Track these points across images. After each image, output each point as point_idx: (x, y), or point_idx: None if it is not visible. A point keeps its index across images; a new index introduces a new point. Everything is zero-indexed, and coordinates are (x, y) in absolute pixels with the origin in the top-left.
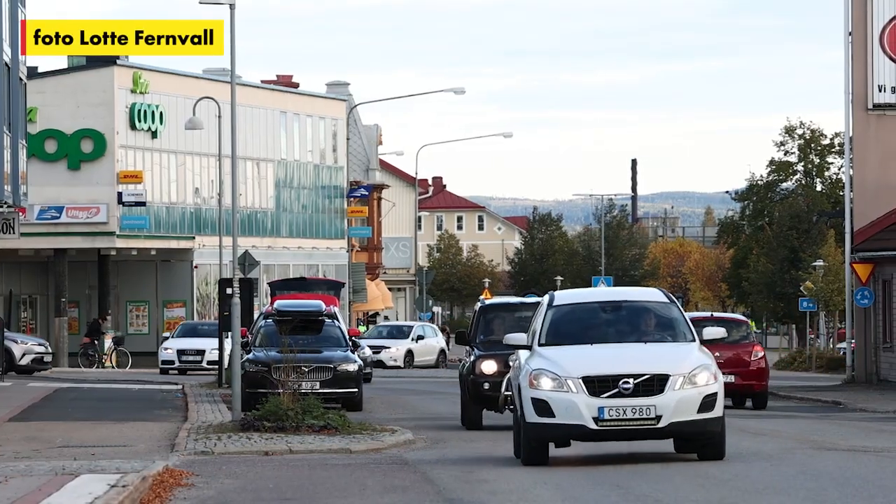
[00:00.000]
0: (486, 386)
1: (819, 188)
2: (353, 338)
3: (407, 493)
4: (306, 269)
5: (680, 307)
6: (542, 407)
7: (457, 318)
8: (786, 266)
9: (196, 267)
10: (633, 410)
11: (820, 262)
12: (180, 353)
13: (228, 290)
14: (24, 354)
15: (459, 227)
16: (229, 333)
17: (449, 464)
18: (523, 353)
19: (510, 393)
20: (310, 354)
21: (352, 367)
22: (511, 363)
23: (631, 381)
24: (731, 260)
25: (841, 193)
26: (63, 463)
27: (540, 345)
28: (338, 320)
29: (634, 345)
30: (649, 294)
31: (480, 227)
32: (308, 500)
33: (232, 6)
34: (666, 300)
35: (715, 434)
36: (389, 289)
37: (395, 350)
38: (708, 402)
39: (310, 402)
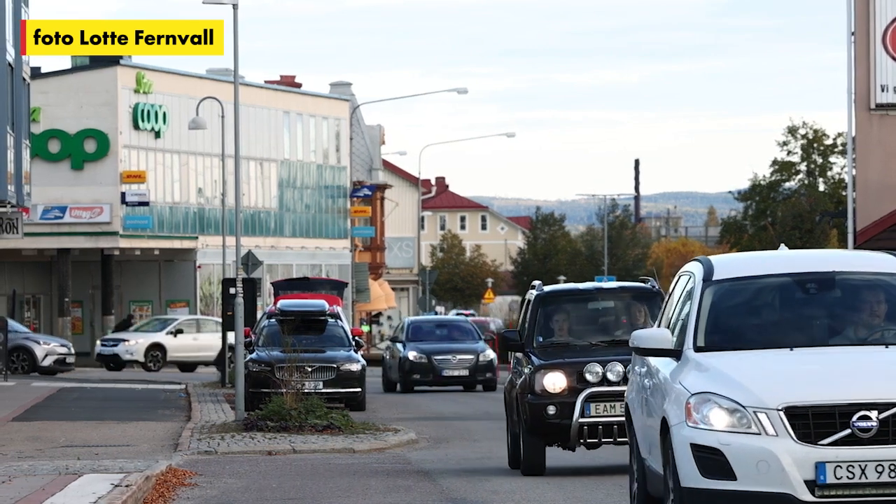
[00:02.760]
0: (552, 410)
1: (822, 188)
2: (357, 338)
3: (410, 492)
4: (309, 269)
5: None
6: (711, 461)
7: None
8: None
9: (199, 267)
10: (878, 469)
11: None
12: None
13: (232, 290)
14: (46, 355)
15: (462, 227)
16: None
17: (452, 463)
18: (662, 364)
19: (592, 420)
20: (313, 354)
21: (355, 367)
22: (627, 376)
23: (873, 414)
24: None
25: (844, 193)
26: (66, 462)
27: (697, 349)
28: (341, 320)
29: (865, 349)
30: (875, 261)
31: (483, 227)
32: (311, 500)
33: (235, 6)
34: None
35: None
36: (392, 289)
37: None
38: None
39: (313, 401)
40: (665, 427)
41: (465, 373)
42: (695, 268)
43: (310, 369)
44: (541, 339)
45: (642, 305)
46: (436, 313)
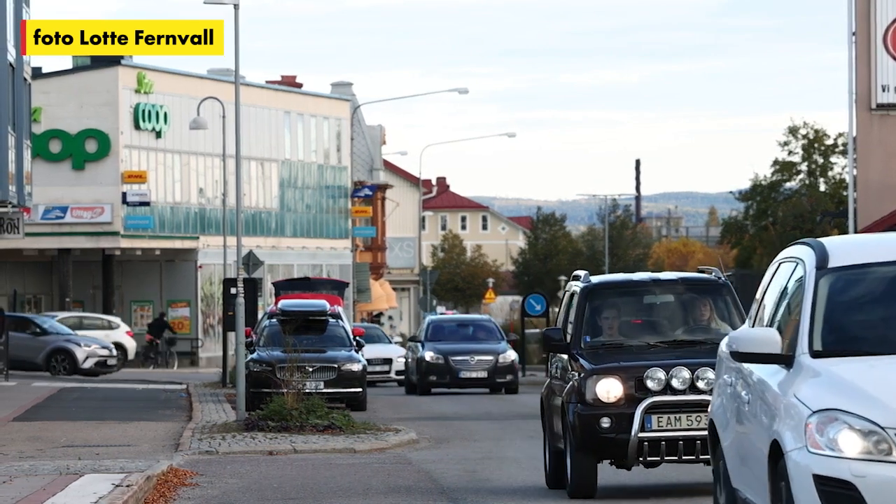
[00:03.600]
0: (606, 423)
1: (823, 188)
2: (357, 338)
3: (411, 492)
4: (310, 269)
5: None
6: (841, 497)
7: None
8: None
9: (200, 267)
10: None
11: None
12: (370, 362)
13: (233, 290)
14: (86, 357)
15: (463, 227)
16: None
17: (452, 463)
18: (766, 373)
19: (654, 434)
20: (314, 354)
21: (356, 367)
22: (695, 384)
23: None
24: (734, 260)
25: (844, 193)
26: (67, 462)
27: (814, 353)
28: (342, 320)
29: None
30: None
31: (484, 227)
32: (312, 500)
33: (236, 6)
34: None
35: None
36: (393, 289)
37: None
38: None
39: (314, 401)
40: (776, 452)
41: (483, 374)
42: (803, 253)
43: (311, 369)
44: (588, 339)
45: (707, 299)
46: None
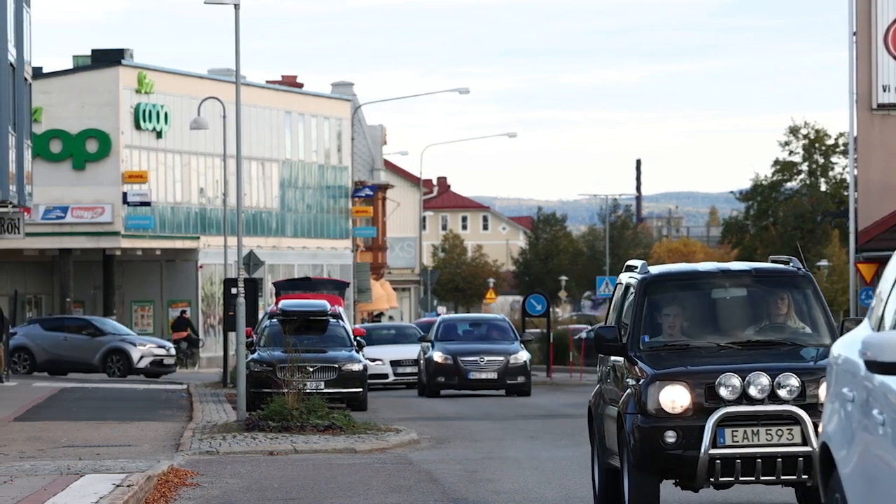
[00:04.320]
0: (672, 437)
1: (823, 188)
2: (358, 338)
3: (411, 492)
4: (311, 269)
5: None
6: None
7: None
8: None
9: (201, 267)
10: None
11: (825, 263)
12: (394, 364)
13: (233, 290)
14: (141, 357)
15: (464, 227)
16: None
17: (453, 463)
18: None
19: (728, 451)
20: (314, 354)
21: (356, 367)
22: (776, 392)
23: None
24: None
25: (845, 193)
26: (68, 463)
27: None
28: (342, 320)
29: None
30: None
31: (485, 227)
32: (313, 500)
33: (236, 6)
34: None
35: None
36: (394, 289)
37: None
38: None
39: (314, 401)
40: None
41: (493, 376)
42: None
43: (311, 369)
44: (647, 339)
45: (785, 293)
46: (436, 314)
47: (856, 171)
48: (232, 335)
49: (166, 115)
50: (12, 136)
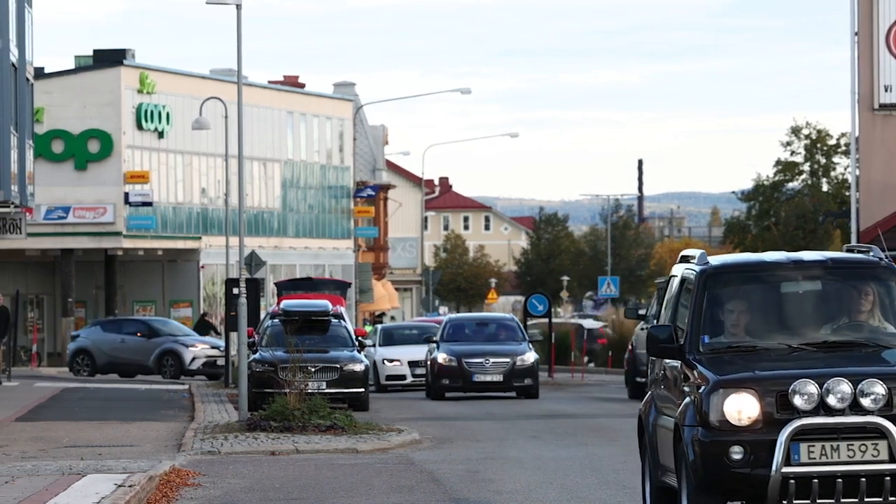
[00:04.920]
0: (739, 453)
1: (825, 188)
2: (360, 338)
3: (413, 492)
4: (313, 269)
5: None
6: None
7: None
8: None
9: (203, 267)
10: None
11: None
12: (412, 364)
13: (235, 290)
14: (193, 359)
15: (466, 228)
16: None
17: (455, 463)
18: None
19: (804, 469)
20: (316, 354)
21: (358, 367)
22: (859, 401)
23: None
24: None
25: (847, 193)
26: (70, 463)
27: None
28: (344, 320)
29: None
30: None
31: (487, 228)
32: (315, 500)
33: (238, 6)
34: None
35: None
36: (396, 289)
37: None
38: None
39: (316, 401)
40: None
41: (498, 378)
42: None
43: (313, 369)
44: (707, 340)
45: (866, 287)
46: (438, 314)
47: (857, 172)
48: (234, 335)
49: (168, 115)
50: (14, 137)
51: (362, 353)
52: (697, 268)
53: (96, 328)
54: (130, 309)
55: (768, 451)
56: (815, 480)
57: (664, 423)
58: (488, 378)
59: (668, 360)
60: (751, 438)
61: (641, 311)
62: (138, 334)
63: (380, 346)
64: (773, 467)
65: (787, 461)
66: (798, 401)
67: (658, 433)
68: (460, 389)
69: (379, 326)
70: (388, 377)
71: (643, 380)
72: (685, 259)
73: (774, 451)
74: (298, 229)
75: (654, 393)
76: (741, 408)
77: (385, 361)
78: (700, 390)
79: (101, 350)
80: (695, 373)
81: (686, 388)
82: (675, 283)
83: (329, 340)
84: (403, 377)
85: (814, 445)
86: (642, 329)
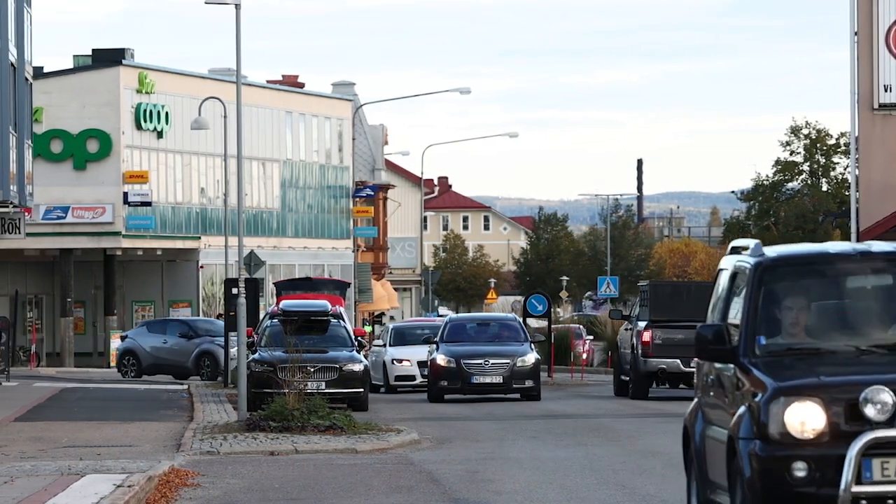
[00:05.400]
0: (802, 470)
1: (825, 188)
2: (359, 338)
3: (412, 492)
4: (312, 269)
5: None
6: None
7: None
8: None
9: (202, 267)
10: None
11: None
12: (421, 365)
13: (234, 290)
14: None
15: (465, 227)
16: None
17: (454, 464)
18: None
19: (878, 489)
20: (315, 354)
21: (357, 368)
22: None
23: None
24: None
25: (847, 193)
26: (69, 463)
27: None
28: (343, 320)
29: None
30: None
31: (486, 227)
32: (314, 500)
33: (237, 6)
34: None
35: None
36: (395, 289)
37: None
38: None
39: (315, 402)
40: None
41: (498, 380)
42: None
43: (312, 370)
44: (763, 342)
45: None
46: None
47: (857, 172)
48: (233, 335)
49: (167, 114)
50: (13, 136)
51: (362, 353)
52: (751, 260)
53: (142, 329)
54: (129, 309)
55: (836, 468)
56: (891, 501)
57: (714, 434)
58: (487, 380)
59: (718, 364)
60: (816, 453)
61: (626, 313)
62: (179, 335)
63: (390, 346)
64: (842, 486)
65: (858, 479)
66: (870, 411)
67: (707, 445)
68: (459, 391)
69: (390, 326)
70: (398, 377)
71: (626, 378)
72: (736, 250)
73: (843, 467)
74: (297, 229)
75: (701, 400)
76: (804, 418)
77: (394, 362)
78: (756, 398)
79: (145, 351)
80: (751, 378)
81: (740, 396)
82: (725, 277)
83: (328, 340)
84: (413, 378)
85: (888, 461)
86: (626, 329)
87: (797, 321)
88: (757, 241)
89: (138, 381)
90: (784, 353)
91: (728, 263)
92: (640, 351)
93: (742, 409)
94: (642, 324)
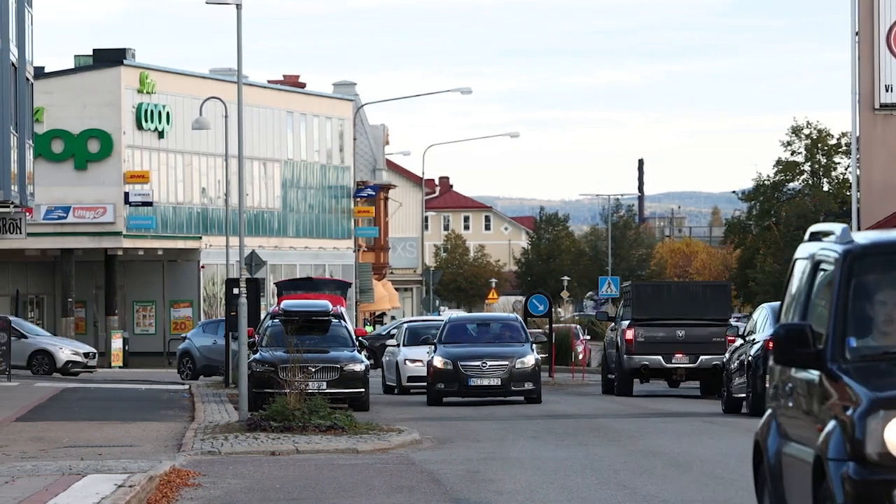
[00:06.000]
0: None
1: (826, 188)
2: (360, 338)
3: (413, 492)
4: (313, 269)
5: None
6: None
7: None
8: None
9: (203, 267)
10: None
11: None
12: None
13: (235, 290)
14: None
15: (466, 227)
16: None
17: (455, 464)
18: None
19: None
20: (316, 354)
21: (358, 368)
22: None
23: None
24: (737, 260)
25: (848, 193)
26: (70, 463)
27: None
28: (344, 320)
29: None
30: None
31: (487, 227)
32: (315, 500)
33: (238, 6)
34: None
35: None
36: (396, 289)
37: None
38: None
39: (316, 402)
40: None
41: (496, 382)
42: None
43: (313, 370)
44: (854, 344)
45: None
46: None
47: (858, 171)
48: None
49: (168, 114)
50: (14, 136)
51: (362, 353)
52: (839, 248)
53: (198, 330)
54: (131, 309)
55: None
56: None
57: (794, 452)
58: (485, 382)
59: (796, 370)
60: None
61: (611, 314)
62: (220, 335)
63: (404, 346)
64: None
65: None
66: None
67: (785, 464)
68: (457, 394)
69: (405, 325)
70: (410, 378)
71: (612, 376)
72: (817, 236)
73: None
74: (298, 229)
75: (775, 411)
76: None
77: (407, 362)
78: (849, 412)
79: (199, 352)
80: (839, 387)
81: (827, 408)
82: (805, 268)
83: (329, 340)
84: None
85: None
86: (612, 329)
87: (893, 319)
88: (844, 226)
89: (139, 382)
90: (879, 358)
91: (806, 252)
92: (623, 349)
93: (832, 424)
94: (625, 323)
